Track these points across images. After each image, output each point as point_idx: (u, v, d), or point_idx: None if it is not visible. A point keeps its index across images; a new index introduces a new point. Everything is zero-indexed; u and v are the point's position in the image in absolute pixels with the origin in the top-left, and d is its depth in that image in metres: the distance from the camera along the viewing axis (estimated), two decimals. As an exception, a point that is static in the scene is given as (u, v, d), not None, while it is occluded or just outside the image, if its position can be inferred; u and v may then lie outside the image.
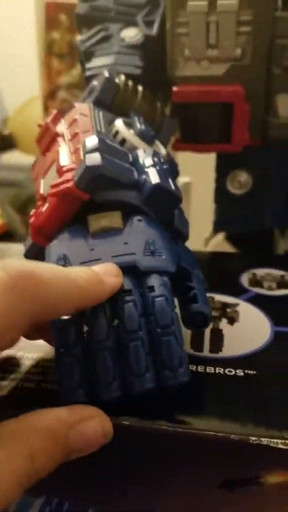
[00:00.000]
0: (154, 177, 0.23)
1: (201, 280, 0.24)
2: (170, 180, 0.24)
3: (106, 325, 0.20)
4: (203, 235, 0.44)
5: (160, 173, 0.24)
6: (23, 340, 0.26)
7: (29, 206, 1.58)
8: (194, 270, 0.24)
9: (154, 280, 0.21)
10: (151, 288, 0.20)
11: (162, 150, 0.30)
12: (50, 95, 1.06)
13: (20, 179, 1.47)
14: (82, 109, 0.29)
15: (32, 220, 0.24)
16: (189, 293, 0.23)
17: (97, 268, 0.21)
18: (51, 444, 0.18)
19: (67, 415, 0.18)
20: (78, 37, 0.38)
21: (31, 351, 0.25)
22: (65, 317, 0.20)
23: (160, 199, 0.23)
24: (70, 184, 0.23)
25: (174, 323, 0.20)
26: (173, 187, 0.24)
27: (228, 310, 0.28)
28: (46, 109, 1.08)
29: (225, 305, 0.29)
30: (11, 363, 0.24)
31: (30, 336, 0.25)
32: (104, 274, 0.20)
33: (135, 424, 0.20)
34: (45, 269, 0.19)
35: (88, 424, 0.19)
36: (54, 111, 0.31)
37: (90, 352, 0.20)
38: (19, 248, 0.27)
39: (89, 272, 0.20)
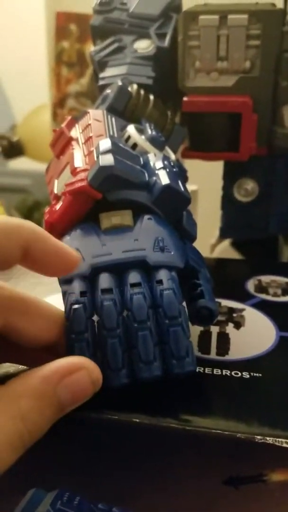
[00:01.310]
0: (164, 179, 0.24)
1: (208, 279, 0.24)
2: (179, 182, 0.25)
3: (116, 314, 0.21)
4: (209, 241, 0.45)
5: (170, 175, 0.25)
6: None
7: (35, 212, 1.60)
8: (201, 269, 0.24)
9: (162, 274, 0.21)
10: (160, 282, 0.21)
11: (172, 156, 0.31)
12: (59, 103, 1.08)
13: (27, 185, 1.49)
14: (96, 115, 0.30)
15: (46, 217, 0.25)
16: (196, 290, 0.23)
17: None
18: (40, 403, 0.18)
19: (52, 372, 0.19)
20: (92, 48, 0.39)
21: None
22: (76, 306, 0.21)
23: (170, 200, 0.24)
24: (84, 183, 0.24)
25: (181, 315, 0.21)
26: (182, 188, 0.25)
27: (234, 315, 0.29)
28: (54, 117, 1.09)
29: (231, 310, 0.30)
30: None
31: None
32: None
33: (144, 422, 0.21)
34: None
35: (74, 377, 0.19)
36: (69, 117, 0.32)
37: (100, 340, 0.21)
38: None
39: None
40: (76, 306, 0.21)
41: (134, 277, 0.21)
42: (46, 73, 1.11)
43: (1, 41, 1.36)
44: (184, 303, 0.22)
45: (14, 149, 1.22)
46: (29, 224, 0.20)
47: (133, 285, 0.21)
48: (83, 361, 0.19)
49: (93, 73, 0.39)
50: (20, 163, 1.37)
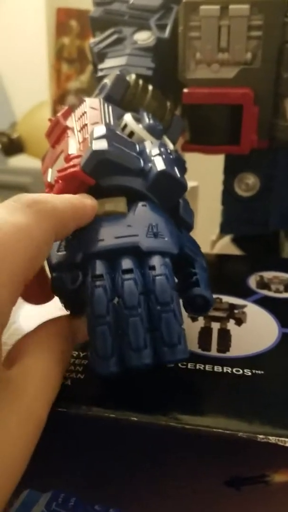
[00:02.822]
0: (159, 164, 0.24)
1: (203, 267, 0.24)
2: (175, 168, 0.24)
3: (106, 301, 0.20)
4: (209, 237, 0.45)
5: (166, 161, 0.24)
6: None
7: (34, 210, 1.59)
8: (197, 258, 0.24)
9: (155, 260, 0.21)
10: (153, 268, 0.20)
11: (170, 145, 0.30)
12: (59, 100, 1.07)
13: (27, 182, 1.48)
14: (92, 103, 0.29)
15: None
16: (191, 279, 0.23)
17: (77, 196, 0.23)
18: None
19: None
20: (91, 40, 0.38)
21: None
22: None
23: (165, 186, 0.24)
24: (76, 168, 0.23)
25: (173, 301, 0.20)
26: (178, 174, 0.24)
27: (235, 311, 0.28)
28: (54, 114, 1.08)
29: (232, 306, 0.29)
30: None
31: None
32: (84, 197, 0.23)
33: (142, 420, 0.20)
34: (50, 195, 0.21)
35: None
36: (66, 107, 0.31)
37: (89, 328, 0.20)
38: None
39: (75, 196, 0.22)
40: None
41: (126, 263, 0.21)
42: (46, 69, 1.10)
43: (1, 37, 1.35)
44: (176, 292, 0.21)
45: (14, 146, 1.21)
46: None
47: (125, 271, 0.20)
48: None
49: (92, 65, 0.38)
50: (20, 161, 1.36)
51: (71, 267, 0.21)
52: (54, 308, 0.24)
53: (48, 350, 0.20)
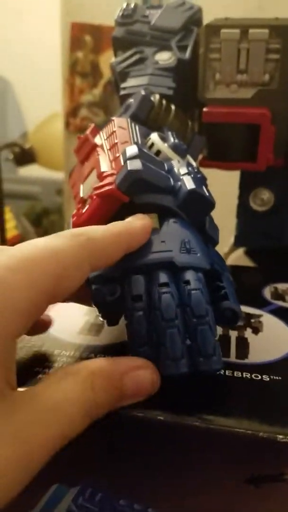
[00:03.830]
0: (189, 184, 0.25)
1: (230, 281, 0.25)
2: (203, 187, 0.26)
3: (144, 317, 0.21)
4: (222, 249, 0.46)
5: (194, 180, 0.26)
6: (61, 338, 0.28)
7: (43, 219, 1.61)
8: (224, 272, 0.25)
9: (190, 275, 0.22)
10: (187, 282, 0.22)
11: (193, 163, 0.32)
12: (71, 112, 1.10)
13: (37, 192, 1.50)
14: (120, 122, 0.31)
15: (73, 219, 0.26)
16: (220, 292, 0.24)
17: (127, 220, 0.24)
18: (108, 383, 0.20)
19: (122, 363, 0.21)
20: (113, 59, 0.40)
21: (67, 349, 0.27)
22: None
23: (195, 204, 0.25)
24: (112, 186, 0.25)
25: (208, 314, 0.21)
26: (206, 193, 0.26)
27: (252, 320, 0.30)
28: (67, 126, 1.11)
29: (249, 316, 0.30)
30: (49, 360, 0.26)
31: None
32: (135, 220, 0.24)
33: (168, 420, 0.21)
34: (94, 228, 0.23)
35: (140, 372, 0.21)
36: (92, 125, 0.33)
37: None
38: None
39: (121, 224, 0.24)
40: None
41: (162, 277, 0.22)
42: (59, 82, 1.13)
43: (16, 49, 1.38)
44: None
45: (26, 157, 1.24)
46: None
47: (162, 285, 0.22)
48: (147, 363, 0.22)
49: (114, 83, 0.40)
50: (30, 170, 1.38)
51: (109, 280, 0.23)
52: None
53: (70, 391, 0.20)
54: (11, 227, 1.36)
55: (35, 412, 0.18)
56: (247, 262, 0.44)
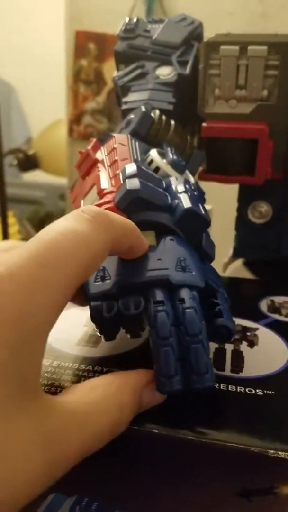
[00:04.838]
0: (186, 202, 0.26)
1: (225, 298, 0.26)
2: (200, 206, 0.26)
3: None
4: (222, 260, 0.47)
5: (191, 198, 0.26)
6: (59, 349, 0.28)
7: (46, 223, 1.62)
8: (219, 289, 0.26)
9: (184, 293, 0.23)
10: (182, 300, 0.22)
11: (191, 179, 0.32)
12: (75, 119, 1.11)
13: (40, 197, 1.51)
14: (121, 139, 0.31)
15: None
16: (214, 309, 0.25)
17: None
18: (133, 399, 0.21)
19: (141, 376, 0.22)
20: (115, 73, 0.41)
21: (66, 360, 0.27)
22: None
23: (191, 222, 0.26)
24: (111, 205, 0.26)
25: (202, 333, 0.22)
26: (203, 211, 0.26)
27: (248, 333, 0.30)
28: (70, 133, 1.12)
29: (245, 329, 0.31)
30: (47, 371, 0.26)
31: None
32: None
33: (162, 432, 0.22)
34: (112, 212, 0.22)
35: (153, 385, 0.22)
36: (94, 140, 0.33)
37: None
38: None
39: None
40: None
41: (158, 295, 0.23)
42: (63, 89, 1.14)
43: (21, 56, 1.39)
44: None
45: (30, 162, 1.25)
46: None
47: (157, 303, 0.22)
48: None
49: (116, 97, 0.41)
50: (34, 176, 1.40)
51: (107, 297, 0.23)
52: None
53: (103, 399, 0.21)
54: (14, 232, 1.37)
55: (64, 420, 0.19)
56: (245, 273, 0.45)
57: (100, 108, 1.10)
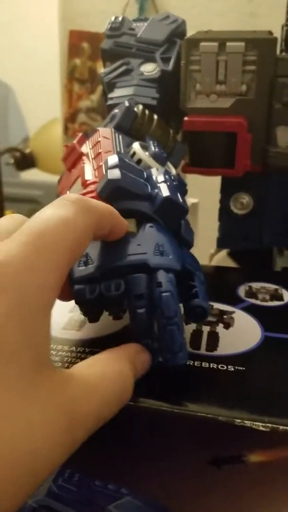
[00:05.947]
0: (165, 191, 0.27)
1: (202, 281, 0.27)
2: (178, 194, 0.28)
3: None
4: (209, 251, 0.48)
5: (170, 188, 0.28)
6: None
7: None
8: (196, 272, 0.27)
9: (161, 276, 0.24)
10: (159, 284, 0.24)
11: (173, 171, 0.34)
12: (70, 118, 1.12)
13: (37, 195, 1.52)
14: (105, 133, 0.33)
15: None
16: (191, 291, 0.26)
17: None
18: (130, 367, 0.23)
19: (132, 348, 0.24)
20: (102, 70, 0.42)
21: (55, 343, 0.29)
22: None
23: (169, 210, 0.27)
24: (93, 194, 0.27)
25: (177, 315, 0.23)
26: (180, 200, 0.28)
27: (224, 316, 0.32)
28: (66, 131, 1.14)
29: (222, 312, 0.32)
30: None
31: None
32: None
33: (139, 405, 0.23)
34: (89, 198, 0.23)
35: (142, 354, 0.24)
36: (80, 134, 0.35)
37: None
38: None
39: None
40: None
41: (139, 288, 0.24)
42: (59, 88, 1.15)
43: (16, 57, 1.41)
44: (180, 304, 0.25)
45: (27, 161, 1.26)
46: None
47: (137, 297, 0.24)
48: (143, 348, 0.25)
49: (102, 93, 0.42)
50: (31, 175, 1.41)
51: (90, 280, 0.25)
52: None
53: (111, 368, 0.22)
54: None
55: (83, 387, 0.20)
56: (229, 262, 0.46)
57: (94, 106, 1.11)
